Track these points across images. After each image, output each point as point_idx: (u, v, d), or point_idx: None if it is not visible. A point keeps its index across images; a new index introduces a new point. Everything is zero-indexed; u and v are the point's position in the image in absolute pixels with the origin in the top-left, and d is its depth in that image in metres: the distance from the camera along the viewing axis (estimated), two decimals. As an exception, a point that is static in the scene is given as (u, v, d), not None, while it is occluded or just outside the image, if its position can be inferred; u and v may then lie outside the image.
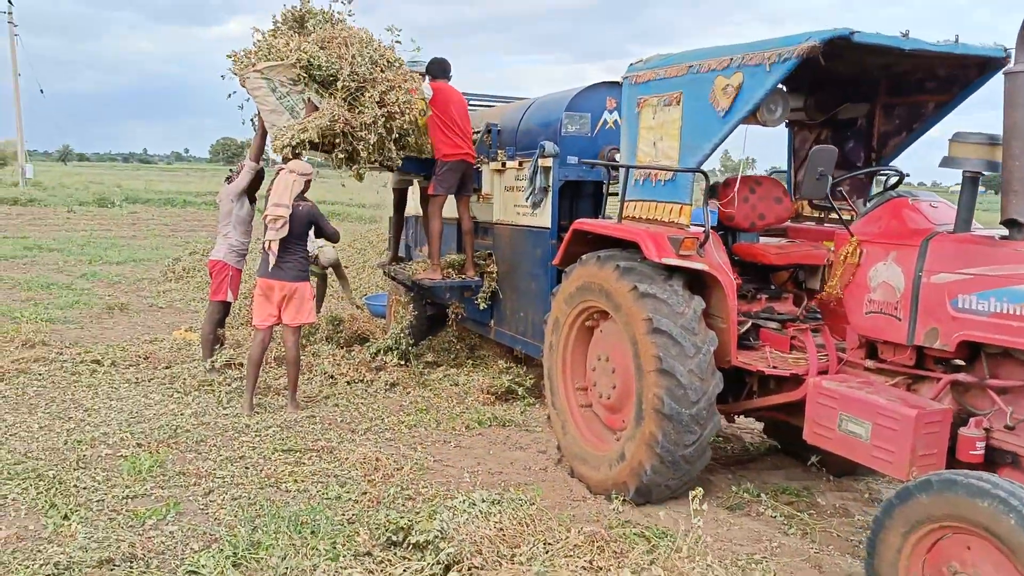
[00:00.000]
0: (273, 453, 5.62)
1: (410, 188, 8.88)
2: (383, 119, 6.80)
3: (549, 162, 6.79)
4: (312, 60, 6.66)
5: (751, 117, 4.75)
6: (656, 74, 5.24)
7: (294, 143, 6.58)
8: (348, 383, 7.39)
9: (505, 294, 7.66)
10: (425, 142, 7.58)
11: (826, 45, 4.15)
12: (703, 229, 4.90)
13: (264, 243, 6.45)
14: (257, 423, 6.25)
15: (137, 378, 7.42)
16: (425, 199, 8.47)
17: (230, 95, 7.57)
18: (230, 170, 7.81)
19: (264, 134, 7.46)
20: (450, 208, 8.32)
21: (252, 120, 7.89)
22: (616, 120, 7.10)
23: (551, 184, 6.85)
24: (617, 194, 7.88)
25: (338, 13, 7.31)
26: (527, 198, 7.00)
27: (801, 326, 4.92)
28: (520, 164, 7.36)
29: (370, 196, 15.20)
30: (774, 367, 4.70)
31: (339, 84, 6.64)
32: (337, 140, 6.75)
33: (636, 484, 4.89)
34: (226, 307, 7.77)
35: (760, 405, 5.04)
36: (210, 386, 7.18)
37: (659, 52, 5.52)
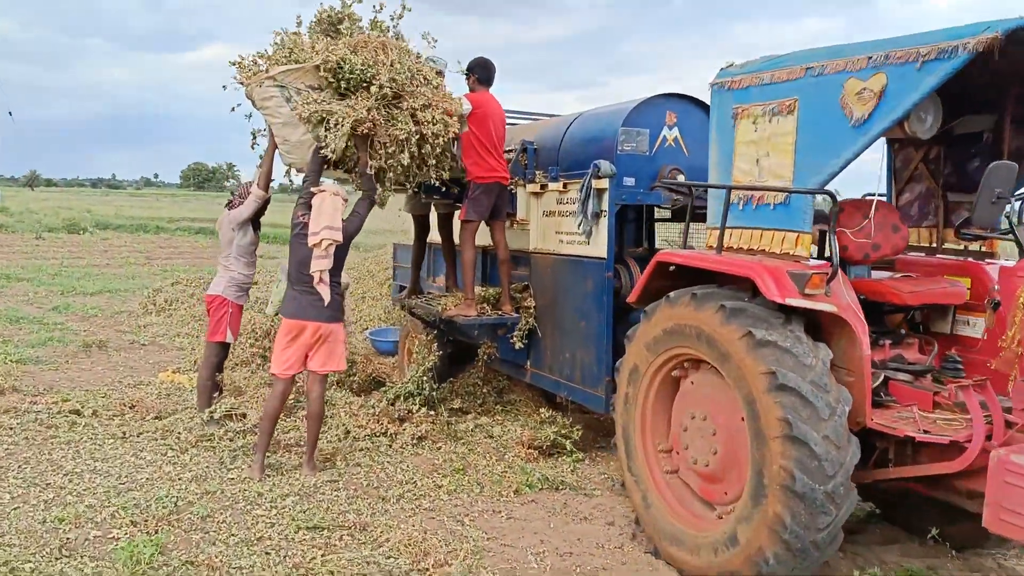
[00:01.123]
0: (297, 532, 4.67)
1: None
2: (416, 137, 5.92)
3: (604, 183, 5.94)
4: (343, 63, 5.76)
5: (896, 128, 3.95)
6: (760, 79, 4.42)
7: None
8: (369, 437, 6.44)
9: (545, 332, 6.78)
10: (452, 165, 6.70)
11: (1007, 38, 3.36)
12: (830, 263, 4.07)
13: (314, 274, 5.52)
14: (271, 491, 5.29)
15: (124, 432, 6.41)
16: (444, 225, 7.63)
17: (234, 108, 6.64)
18: (231, 193, 6.89)
19: (273, 157, 6.56)
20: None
21: (253, 135, 6.96)
22: (676, 137, 6.29)
23: (606, 208, 6.00)
24: (666, 220, 7.06)
25: (382, 22, 6.39)
26: (579, 224, 6.13)
27: (960, 381, 4.07)
28: (565, 186, 6.51)
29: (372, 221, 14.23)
30: (925, 431, 3.85)
31: (373, 88, 5.74)
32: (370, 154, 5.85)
33: (753, 575, 4.00)
34: (226, 348, 6.81)
35: (899, 476, 4.17)
36: (210, 441, 6.19)
37: (724, 67, 4.73)
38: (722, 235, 4.49)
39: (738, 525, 4.06)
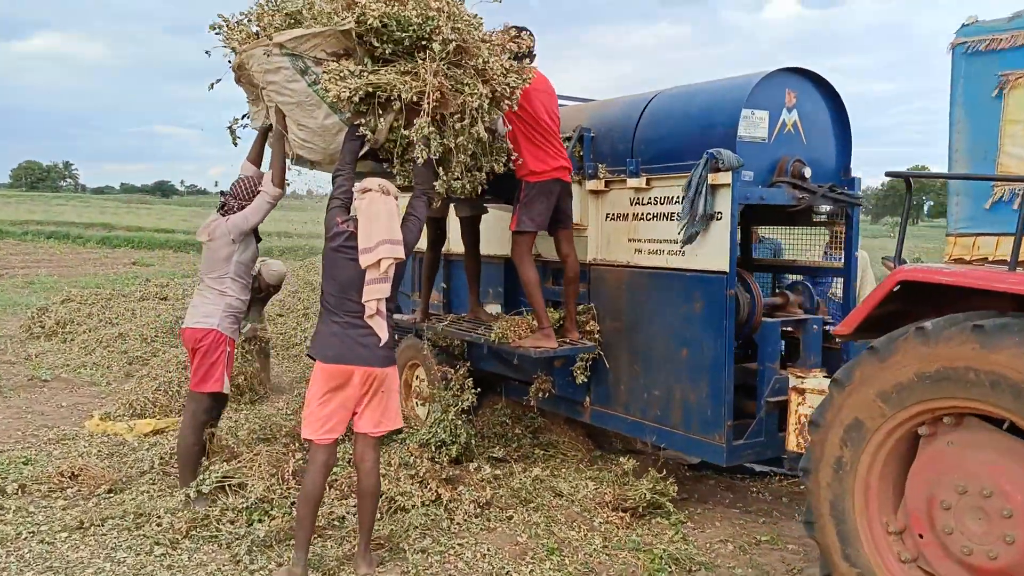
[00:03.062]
0: None
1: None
2: (488, 100, 4.54)
3: (725, 178, 4.71)
4: (387, 19, 4.27)
5: None
6: (1049, 35, 3.30)
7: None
8: (418, 506, 4.94)
9: (617, 363, 5.49)
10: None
11: None
12: None
13: (367, 304, 4.06)
14: (337, 608, 3.77)
15: (79, 519, 4.65)
16: (469, 231, 6.22)
17: (212, 85, 5.02)
18: (221, 193, 5.21)
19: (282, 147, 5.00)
20: (495, 243, 6.23)
21: (232, 129, 5.34)
22: (795, 122, 5.14)
23: (723, 210, 4.78)
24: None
25: None
26: (681, 230, 4.89)
27: None
28: (648, 182, 5.25)
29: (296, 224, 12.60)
30: None
31: (435, 46, 4.30)
32: (419, 134, 4.38)
33: None
34: (222, 401, 5.18)
35: None
36: (207, 528, 4.57)
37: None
38: (1019, 244, 3.32)
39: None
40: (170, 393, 6.95)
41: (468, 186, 4.80)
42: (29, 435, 6.40)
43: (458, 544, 4.55)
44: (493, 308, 6.55)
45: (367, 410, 4.21)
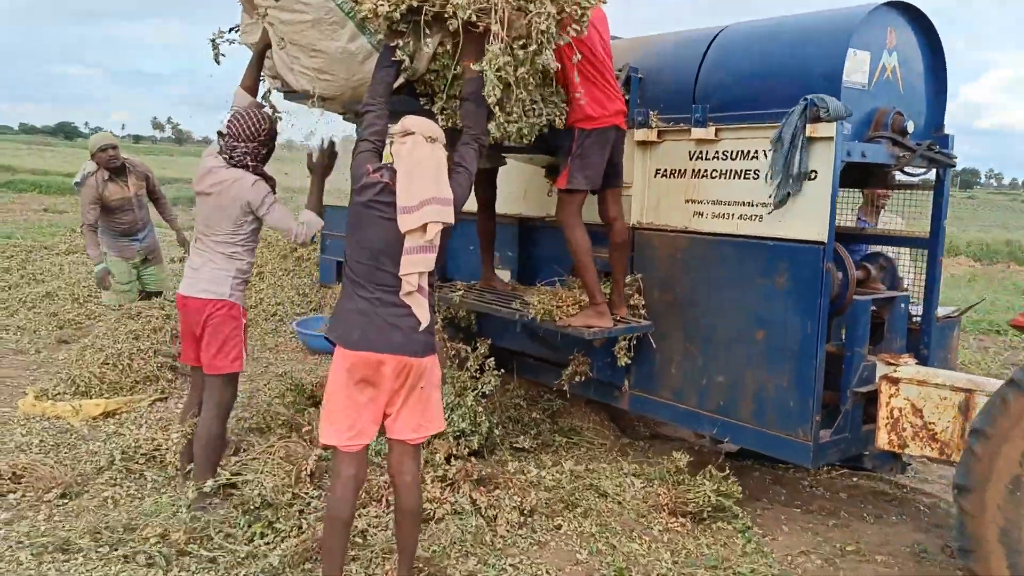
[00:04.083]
0: None
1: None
2: (555, 22, 3.68)
3: (828, 130, 3.96)
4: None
5: None
6: None
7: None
8: (451, 515, 4.11)
9: (667, 344, 4.76)
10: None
11: None
12: None
13: (407, 279, 3.20)
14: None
15: (46, 541, 3.67)
16: (486, 185, 5.37)
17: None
18: (220, 135, 4.20)
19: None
20: (505, 201, 5.57)
21: (214, 42, 4.41)
22: (895, 66, 4.43)
23: (821, 168, 4.05)
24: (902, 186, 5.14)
25: None
26: (774, 192, 4.14)
27: None
28: (717, 133, 4.48)
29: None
30: None
31: None
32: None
33: None
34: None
35: None
36: (202, 543, 3.68)
37: None
38: None
39: None
40: (120, 367, 5.91)
41: (525, 130, 3.94)
42: (-51, 418, 5.34)
43: (510, 565, 3.77)
44: (503, 275, 5.75)
45: (403, 410, 3.34)
